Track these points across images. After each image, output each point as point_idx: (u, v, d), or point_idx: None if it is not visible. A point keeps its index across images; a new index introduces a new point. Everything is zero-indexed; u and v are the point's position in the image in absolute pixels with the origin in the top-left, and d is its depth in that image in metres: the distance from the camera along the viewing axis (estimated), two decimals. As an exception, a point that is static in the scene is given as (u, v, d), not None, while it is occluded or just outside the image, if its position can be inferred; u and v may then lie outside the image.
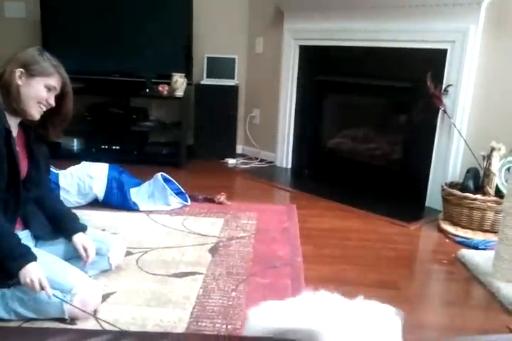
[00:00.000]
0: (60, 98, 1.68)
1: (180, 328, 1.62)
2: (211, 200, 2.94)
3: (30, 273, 1.51)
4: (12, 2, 4.05)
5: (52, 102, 1.65)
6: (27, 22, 4.02)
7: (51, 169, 2.47)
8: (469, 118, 2.82)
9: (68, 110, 1.71)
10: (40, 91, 1.61)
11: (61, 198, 2.57)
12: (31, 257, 1.55)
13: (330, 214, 2.86)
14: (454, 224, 2.63)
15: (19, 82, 1.59)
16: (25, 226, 1.78)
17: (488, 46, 2.70)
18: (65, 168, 2.79)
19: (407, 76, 3.04)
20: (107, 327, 1.60)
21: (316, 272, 2.11)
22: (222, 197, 2.93)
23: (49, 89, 1.63)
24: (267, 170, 3.88)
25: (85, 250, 1.80)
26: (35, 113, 1.63)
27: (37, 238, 1.81)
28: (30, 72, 1.60)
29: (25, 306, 1.58)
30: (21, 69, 1.59)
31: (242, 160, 4.05)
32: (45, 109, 1.65)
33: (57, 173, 2.72)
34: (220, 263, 2.13)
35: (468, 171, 2.69)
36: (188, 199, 2.88)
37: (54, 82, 1.63)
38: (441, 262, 2.30)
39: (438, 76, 2.81)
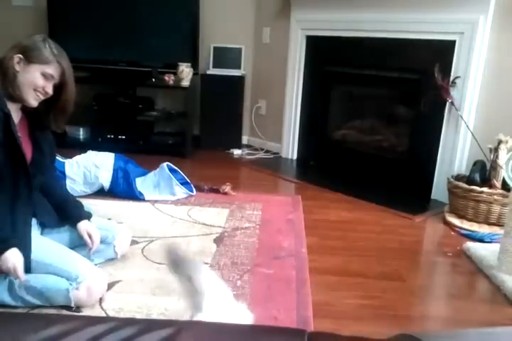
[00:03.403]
0: (58, 87, 1.65)
1: (185, 317, 1.63)
2: (216, 191, 2.94)
3: (7, 260, 1.53)
4: (19, -10, 4.05)
5: (50, 90, 1.62)
6: (34, 10, 4.01)
7: (58, 158, 2.48)
8: (477, 110, 2.79)
9: (67, 100, 1.67)
10: (36, 78, 1.59)
11: (67, 187, 2.60)
12: (9, 244, 1.55)
13: (335, 206, 2.86)
14: (460, 216, 2.62)
15: (17, 68, 1.58)
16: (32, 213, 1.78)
17: (497, 37, 2.67)
18: (71, 157, 2.79)
19: (414, 67, 3.01)
20: (112, 314, 1.61)
21: (320, 263, 2.11)
22: (227, 188, 2.93)
23: (45, 77, 1.60)
24: (273, 161, 3.88)
25: (90, 237, 1.81)
26: (32, 100, 1.61)
27: (43, 226, 1.82)
28: (28, 59, 1.58)
29: (32, 293, 1.60)
30: (20, 55, 1.57)
31: (247, 151, 4.04)
32: (42, 97, 1.63)
33: (64, 162, 2.73)
34: (225, 253, 2.13)
35: (474, 164, 2.68)
36: (194, 190, 2.89)
37: (51, 70, 1.60)
38: (447, 255, 2.29)
39: (446, 68, 2.79)
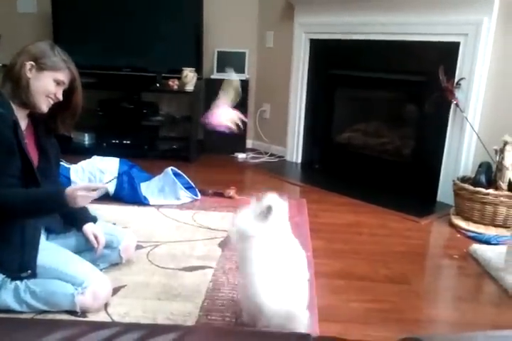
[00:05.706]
0: (68, 93, 1.68)
1: (190, 321, 1.63)
2: (221, 195, 2.94)
3: (72, 194, 1.53)
4: (23, -3, 4.08)
5: (60, 96, 1.65)
6: (38, 17, 4.04)
7: (63, 163, 2.49)
8: (482, 111, 2.78)
9: (77, 105, 1.72)
10: (48, 85, 1.62)
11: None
12: (61, 188, 1.57)
13: (340, 209, 2.85)
14: (466, 218, 2.61)
15: (29, 75, 1.60)
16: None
17: (501, 38, 2.66)
18: (76, 163, 2.81)
19: (419, 69, 3.01)
20: (118, 319, 1.61)
21: (326, 267, 2.10)
22: (232, 192, 2.93)
23: (58, 83, 1.63)
24: (277, 164, 3.87)
25: (96, 238, 1.81)
26: (44, 106, 1.64)
27: (48, 231, 1.82)
28: (40, 66, 1.60)
29: (37, 298, 1.60)
30: (32, 63, 1.59)
31: (252, 155, 4.04)
32: (52, 102, 1.66)
33: (69, 167, 2.74)
34: (230, 257, 2.13)
35: (480, 165, 2.66)
36: (198, 194, 2.89)
37: (63, 76, 1.63)
38: (453, 257, 2.28)
39: (450, 69, 2.78)
